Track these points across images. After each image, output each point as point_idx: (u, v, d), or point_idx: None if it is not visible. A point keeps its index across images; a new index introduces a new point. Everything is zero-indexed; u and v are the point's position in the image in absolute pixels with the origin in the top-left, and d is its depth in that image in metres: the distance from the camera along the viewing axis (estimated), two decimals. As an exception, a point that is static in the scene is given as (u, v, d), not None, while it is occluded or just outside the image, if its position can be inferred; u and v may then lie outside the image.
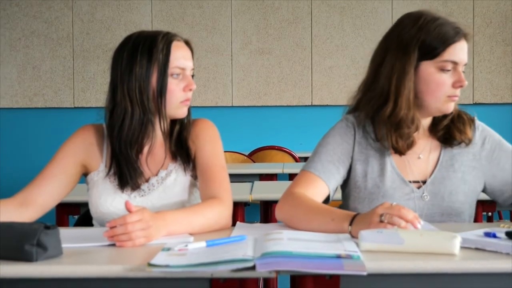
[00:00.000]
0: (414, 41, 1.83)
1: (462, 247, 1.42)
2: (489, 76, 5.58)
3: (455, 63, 1.82)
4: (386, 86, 1.84)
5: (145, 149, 1.92)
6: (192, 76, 1.95)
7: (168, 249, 1.44)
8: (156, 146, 1.94)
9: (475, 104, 5.55)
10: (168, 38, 1.90)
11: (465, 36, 1.85)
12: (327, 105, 5.67)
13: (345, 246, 1.43)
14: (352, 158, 1.91)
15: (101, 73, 5.57)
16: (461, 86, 1.82)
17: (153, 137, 1.92)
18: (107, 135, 1.95)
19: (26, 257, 1.36)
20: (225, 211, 1.81)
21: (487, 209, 2.83)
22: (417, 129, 1.85)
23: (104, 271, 1.34)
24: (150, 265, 1.30)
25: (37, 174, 1.90)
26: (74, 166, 1.92)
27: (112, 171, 1.92)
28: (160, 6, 5.58)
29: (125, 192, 1.91)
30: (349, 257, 1.32)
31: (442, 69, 1.82)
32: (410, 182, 1.88)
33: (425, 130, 1.93)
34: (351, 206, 1.89)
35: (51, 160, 1.92)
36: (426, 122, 1.92)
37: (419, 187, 1.88)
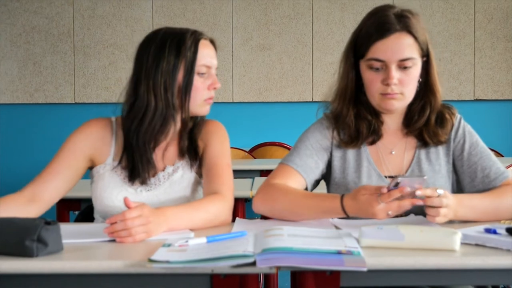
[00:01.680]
0: (352, 41, 1.89)
1: (462, 243, 1.42)
2: (490, 72, 5.57)
3: (382, 61, 1.80)
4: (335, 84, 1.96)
5: (162, 144, 1.94)
6: (216, 75, 1.97)
7: (169, 245, 1.44)
8: (171, 142, 1.96)
9: (476, 100, 5.55)
10: (196, 36, 1.92)
11: (401, 29, 1.80)
12: (328, 102, 5.65)
13: (346, 242, 1.43)
14: (330, 153, 1.94)
15: (102, 68, 5.57)
16: (387, 84, 1.80)
17: (172, 132, 1.94)
18: (116, 128, 1.96)
19: (26, 253, 1.36)
20: (225, 206, 1.81)
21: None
22: (366, 123, 1.89)
23: (105, 266, 1.34)
24: (150, 261, 1.31)
25: (44, 168, 1.89)
26: (80, 161, 1.92)
27: (121, 164, 1.93)
28: (160, 1, 5.58)
29: (132, 186, 1.92)
30: (349, 253, 1.32)
31: (371, 67, 1.83)
32: (386, 177, 1.90)
33: (398, 128, 1.95)
34: None
35: (57, 154, 1.92)
36: (393, 119, 1.93)
37: None
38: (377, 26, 1.82)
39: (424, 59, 1.86)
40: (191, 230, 1.70)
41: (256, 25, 5.60)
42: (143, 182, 1.92)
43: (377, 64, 1.81)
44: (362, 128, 1.90)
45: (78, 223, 2.06)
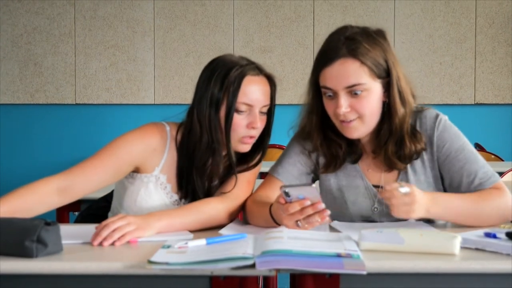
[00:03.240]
0: (313, 66, 1.83)
1: (462, 247, 1.42)
2: (491, 77, 5.57)
3: (330, 89, 1.75)
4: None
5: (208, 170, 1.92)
6: (269, 112, 1.91)
7: (168, 247, 1.44)
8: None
9: (477, 104, 5.54)
10: (242, 71, 1.85)
11: (346, 55, 1.73)
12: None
13: (345, 245, 1.43)
14: (317, 160, 1.92)
15: (102, 69, 5.57)
16: (338, 114, 1.74)
17: (219, 161, 1.90)
18: (170, 139, 1.92)
19: (26, 253, 1.36)
20: (222, 207, 1.81)
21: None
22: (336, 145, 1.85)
23: (104, 268, 1.34)
24: (150, 262, 1.31)
25: (86, 160, 1.83)
26: (126, 166, 1.87)
27: (165, 178, 1.91)
28: (162, 3, 5.58)
29: (174, 201, 1.93)
30: (349, 256, 1.32)
31: (325, 94, 1.79)
32: (374, 186, 1.87)
33: (374, 146, 1.87)
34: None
35: (105, 151, 1.85)
36: (364, 139, 1.87)
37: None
38: (323, 52, 1.79)
39: (386, 80, 1.77)
40: (189, 230, 1.70)
41: (258, 27, 5.60)
42: (183, 198, 1.93)
43: (328, 92, 1.76)
44: (336, 151, 1.87)
45: (78, 224, 2.06)
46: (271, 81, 1.92)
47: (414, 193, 1.61)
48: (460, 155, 1.81)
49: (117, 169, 1.85)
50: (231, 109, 1.83)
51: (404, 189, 1.60)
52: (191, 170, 1.89)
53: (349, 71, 1.72)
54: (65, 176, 1.79)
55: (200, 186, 1.89)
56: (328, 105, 1.79)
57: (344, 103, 1.73)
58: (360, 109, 1.74)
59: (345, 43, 1.75)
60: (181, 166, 1.91)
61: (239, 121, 1.84)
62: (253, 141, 1.90)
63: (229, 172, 1.94)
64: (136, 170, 1.91)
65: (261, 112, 1.88)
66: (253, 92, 1.85)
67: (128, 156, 1.86)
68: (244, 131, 1.86)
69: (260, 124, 1.87)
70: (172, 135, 1.92)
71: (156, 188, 1.90)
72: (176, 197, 1.92)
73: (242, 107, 1.84)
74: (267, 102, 1.89)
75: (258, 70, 1.90)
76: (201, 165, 1.87)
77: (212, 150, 1.86)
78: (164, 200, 1.90)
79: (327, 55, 1.76)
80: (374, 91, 1.75)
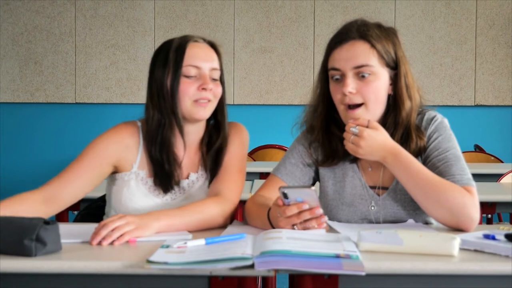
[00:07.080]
0: (325, 52, 1.85)
1: (461, 249, 1.42)
2: (491, 78, 5.57)
3: (338, 70, 1.76)
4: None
5: (181, 152, 1.92)
6: (221, 79, 1.91)
7: (167, 246, 1.44)
8: (191, 150, 1.94)
9: (477, 106, 5.55)
10: (184, 39, 1.89)
11: (357, 37, 1.75)
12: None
13: (344, 246, 1.43)
14: (317, 159, 1.91)
15: (102, 69, 5.57)
16: (344, 94, 1.74)
17: (183, 140, 1.91)
18: (142, 134, 1.93)
19: (25, 252, 1.36)
20: (222, 209, 1.80)
21: (487, 211, 2.83)
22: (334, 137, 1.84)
23: (103, 267, 1.34)
24: (149, 262, 1.31)
25: (65, 168, 1.85)
26: (105, 167, 1.89)
27: (145, 173, 1.91)
28: (163, 3, 5.58)
29: (158, 195, 1.91)
30: (348, 257, 1.32)
31: (332, 78, 1.79)
32: (371, 187, 1.85)
33: None
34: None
35: (81, 156, 1.87)
36: None
37: (379, 194, 1.84)
38: (335, 36, 1.81)
39: (394, 72, 1.79)
40: (188, 231, 1.70)
41: (258, 28, 5.60)
42: (167, 191, 1.91)
43: (336, 74, 1.77)
44: (336, 146, 1.85)
45: (77, 223, 2.06)
46: (216, 49, 1.94)
47: (363, 135, 1.69)
48: (442, 155, 1.78)
49: (97, 171, 1.86)
50: (177, 74, 1.84)
51: (354, 129, 1.70)
52: (151, 151, 1.89)
53: (359, 52, 1.75)
54: (48, 186, 1.81)
55: (160, 162, 1.88)
56: (335, 90, 1.79)
57: (350, 83, 1.74)
58: (366, 94, 1.75)
59: (357, 28, 1.78)
60: (150, 154, 1.91)
61: (187, 85, 1.85)
62: (209, 105, 1.88)
63: (216, 167, 1.93)
64: (116, 170, 1.92)
65: (212, 79, 1.88)
66: (197, 54, 1.87)
67: (104, 156, 1.87)
68: (194, 93, 1.85)
69: (213, 86, 1.87)
70: (144, 129, 1.94)
71: (138, 184, 1.90)
72: (159, 190, 1.91)
73: (191, 70, 1.85)
74: (216, 65, 1.90)
75: (201, 39, 1.93)
76: (154, 140, 1.88)
77: (162, 125, 1.87)
78: (147, 196, 1.89)
79: (337, 38, 1.79)
80: (381, 77, 1.76)
